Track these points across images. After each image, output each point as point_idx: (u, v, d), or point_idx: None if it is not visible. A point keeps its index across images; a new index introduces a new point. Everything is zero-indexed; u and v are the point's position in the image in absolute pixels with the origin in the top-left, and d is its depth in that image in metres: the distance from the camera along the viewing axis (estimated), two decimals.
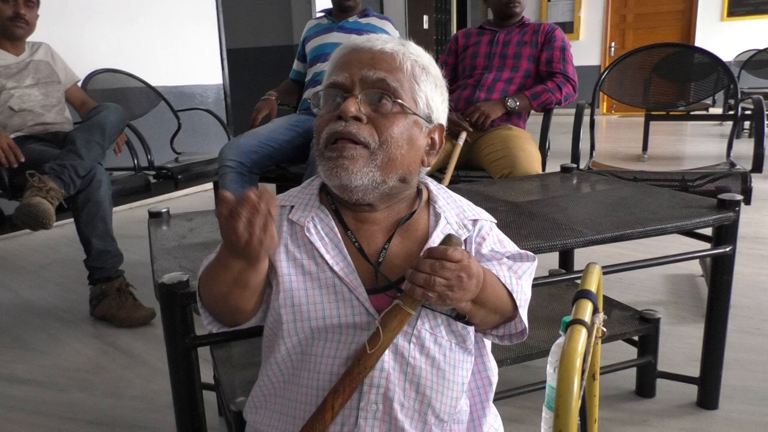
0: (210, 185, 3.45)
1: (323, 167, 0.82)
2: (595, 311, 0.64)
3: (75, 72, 2.73)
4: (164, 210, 1.57)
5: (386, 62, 0.82)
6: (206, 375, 1.35)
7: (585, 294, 0.66)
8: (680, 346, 1.88)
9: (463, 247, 0.78)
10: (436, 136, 0.87)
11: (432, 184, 0.91)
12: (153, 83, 3.50)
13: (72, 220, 2.27)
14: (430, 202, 0.89)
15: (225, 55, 4.91)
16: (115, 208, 2.35)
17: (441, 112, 0.87)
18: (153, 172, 2.78)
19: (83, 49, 3.70)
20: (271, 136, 2.47)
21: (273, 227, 0.71)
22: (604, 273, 0.95)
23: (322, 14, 2.80)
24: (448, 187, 0.96)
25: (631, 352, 1.67)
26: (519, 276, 0.84)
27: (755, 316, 2.08)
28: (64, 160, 2.12)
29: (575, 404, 0.54)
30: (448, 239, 0.76)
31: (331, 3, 2.76)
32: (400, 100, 0.81)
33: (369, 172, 0.80)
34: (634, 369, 1.64)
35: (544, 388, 1.51)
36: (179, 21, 4.48)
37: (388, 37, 0.86)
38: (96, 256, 2.23)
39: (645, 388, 1.63)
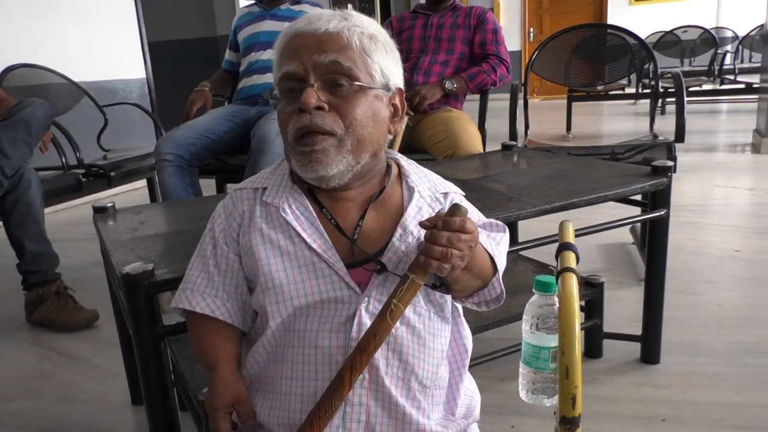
0: (142, 183, 3.34)
1: (297, 162, 0.82)
2: (577, 261, 0.68)
3: None
4: (109, 204, 1.52)
5: (334, 42, 0.80)
6: None
7: (567, 246, 0.70)
8: (620, 309, 1.99)
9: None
10: (398, 101, 0.88)
11: (402, 159, 0.92)
12: (73, 79, 3.34)
13: None
14: (402, 176, 0.90)
15: (146, 49, 4.73)
16: None
17: (397, 76, 0.87)
18: (82, 171, 2.66)
19: None
20: (208, 127, 2.41)
21: None
22: (553, 242, 0.99)
23: (253, 2, 2.75)
24: None
25: None
26: (497, 242, 0.87)
27: (684, 277, 2.23)
28: None
29: (577, 342, 0.58)
30: (457, 209, 0.74)
31: None
32: (357, 82, 0.80)
33: (342, 159, 0.80)
34: (582, 332, 1.73)
35: (499, 358, 1.58)
36: (96, 14, 4.28)
37: (329, 15, 0.83)
38: (30, 260, 2.12)
39: (593, 349, 1.73)
